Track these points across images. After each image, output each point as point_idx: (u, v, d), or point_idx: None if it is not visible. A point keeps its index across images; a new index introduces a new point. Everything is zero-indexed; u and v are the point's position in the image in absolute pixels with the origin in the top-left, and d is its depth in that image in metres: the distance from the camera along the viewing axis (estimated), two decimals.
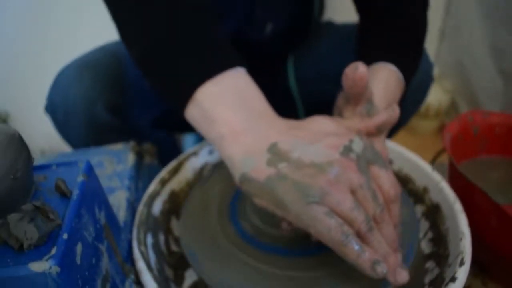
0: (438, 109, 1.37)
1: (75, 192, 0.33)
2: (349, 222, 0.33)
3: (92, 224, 0.34)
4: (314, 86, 0.79)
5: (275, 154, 0.36)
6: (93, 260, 0.33)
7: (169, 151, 0.77)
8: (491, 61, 1.20)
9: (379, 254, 0.33)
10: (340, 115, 0.45)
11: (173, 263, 0.47)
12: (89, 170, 0.37)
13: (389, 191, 0.37)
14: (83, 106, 0.62)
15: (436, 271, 0.44)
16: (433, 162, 0.68)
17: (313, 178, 0.34)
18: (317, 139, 0.37)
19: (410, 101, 0.51)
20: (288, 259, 0.41)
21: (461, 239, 0.42)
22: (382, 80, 0.47)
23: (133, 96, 0.66)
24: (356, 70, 0.38)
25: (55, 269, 0.27)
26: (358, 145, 0.37)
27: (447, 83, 1.40)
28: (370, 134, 0.41)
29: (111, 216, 0.40)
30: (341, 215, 0.33)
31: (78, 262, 0.31)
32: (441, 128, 1.43)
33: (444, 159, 0.72)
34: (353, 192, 0.35)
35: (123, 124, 0.66)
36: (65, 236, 0.29)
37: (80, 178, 0.35)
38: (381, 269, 0.32)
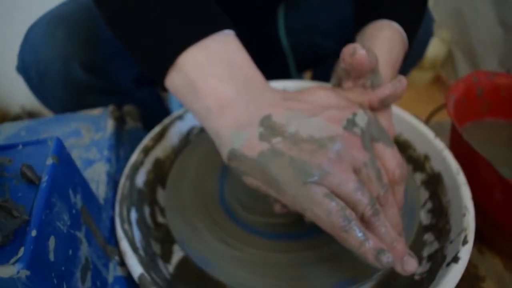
0: (434, 60, 1.33)
1: (44, 179, 0.29)
2: (351, 205, 0.30)
3: (67, 211, 0.31)
4: (305, 38, 0.74)
5: (269, 127, 0.32)
6: (70, 252, 0.30)
7: (155, 111, 0.73)
8: (492, 10, 1.14)
9: (385, 242, 0.31)
10: (339, 85, 0.40)
11: (160, 237, 0.45)
12: (60, 149, 0.33)
13: (394, 172, 0.34)
14: (57, 64, 0.57)
15: (435, 245, 0.42)
16: (428, 120, 0.65)
17: (312, 155, 0.31)
18: (316, 111, 0.33)
19: (408, 56, 0.47)
20: (275, 242, 0.39)
21: (464, 215, 0.40)
22: (385, 40, 0.42)
23: (112, 52, 0.60)
24: (354, 56, 0.34)
25: (24, 273, 0.24)
26: (362, 119, 0.33)
27: (444, 32, 1.34)
28: (374, 108, 0.37)
29: (89, 197, 0.36)
30: (343, 197, 0.30)
31: (52, 258, 0.27)
32: (436, 80, 1.39)
33: (441, 117, 0.69)
34: (356, 171, 0.31)
35: (104, 84, 0.61)
36: (33, 233, 0.26)
37: (49, 161, 0.31)
38: (387, 259, 0.29)
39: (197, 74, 0.34)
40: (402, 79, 0.36)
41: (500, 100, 0.57)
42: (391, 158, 0.34)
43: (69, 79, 0.58)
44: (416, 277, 0.41)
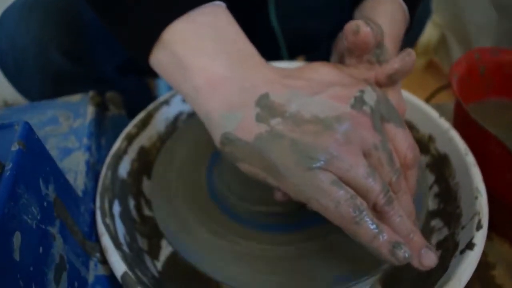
0: (427, 45, 1.30)
1: (8, 167, 0.25)
2: (362, 193, 0.27)
3: (36, 204, 0.27)
4: (297, 22, 0.70)
5: (266, 107, 0.29)
6: (40, 249, 0.27)
7: (141, 101, 0.69)
8: None
9: (400, 234, 0.27)
10: (341, 61, 0.37)
11: (147, 231, 0.41)
12: (28, 134, 0.29)
13: (406, 155, 0.30)
14: (34, 51, 0.53)
15: (445, 232, 0.39)
16: (427, 102, 0.62)
17: (317, 137, 0.27)
18: (319, 89, 0.29)
19: (405, 36, 0.44)
20: (272, 233, 0.36)
21: (476, 198, 0.37)
22: (387, 14, 0.39)
23: (94, 37, 0.56)
24: (357, 34, 0.31)
25: None
26: (370, 96, 0.29)
27: (437, 16, 1.31)
28: (381, 84, 0.34)
29: (64, 188, 0.32)
30: (352, 184, 0.27)
31: (17, 257, 0.24)
32: (430, 65, 1.36)
33: (439, 99, 0.66)
34: (365, 155, 0.28)
35: (85, 71, 0.57)
36: None
37: (15, 147, 0.27)
38: (403, 254, 0.26)
39: (184, 50, 0.31)
40: (411, 52, 0.33)
41: (504, 78, 0.54)
42: (403, 139, 0.31)
43: (47, 66, 0.54)
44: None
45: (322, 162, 0.27)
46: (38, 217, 0.27)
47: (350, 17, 0.49)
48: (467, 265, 0.32)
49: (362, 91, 0.29)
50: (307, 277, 0.33)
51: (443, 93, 0.66)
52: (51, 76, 0.55)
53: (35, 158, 0.29)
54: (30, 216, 0.26)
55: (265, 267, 0.34)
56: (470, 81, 0.53)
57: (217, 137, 0.30)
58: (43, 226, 0.28)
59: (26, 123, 0.29)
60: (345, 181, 0.27)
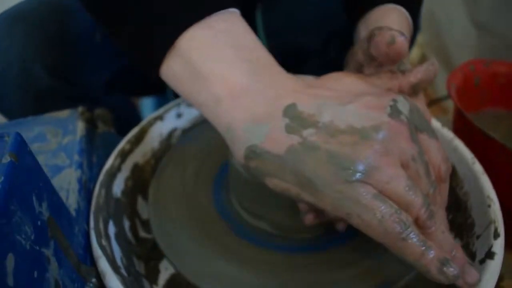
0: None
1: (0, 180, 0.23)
2: (403, 207, 0.25)
3: (30, 223, 0.25)
4: (286, 38, 0.70)
5: (296, 118, 0.27)
6: (35, 274, 0.24)
7: (129, 119, 0.66)
8: (464, 11, 1.14)
9: (443, 250, 0.26)
10: (359, 71, 0.36)
11: (144, 254, 0.38)
12: (21, 147, 0.26)
13: (440, 167, 0.29)
14: (16, 67, 0.50)
15: (457, 243, 0.38)
16: None
17: (354, 148, 0.25)
18: (348, 99, 0.27)
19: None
20: (290, 255, 0.34)
21: (489, 206, 0.36)
22: (395, 23, 0.38)
23: (79, 54, 0.54)
24: (392, 45, 0.29)
25: None
26: (404, 106, 0.28)
27: (418, 36, 1.34)
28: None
29: (57, 206, 0.30)
30: (392, 197, 0.25)
31: (11, 283, 0.21)
32: None
33: (435, 113, 0.66)
34: (404, 166, 0.26)
35: (70, 88, 0.54)
36: None
37: (6, 159, 0.24)
38: (453, 271, 0.25)
39: (202, 58, 0.29)
40: (434, 62, 0.32)
41: (498, 88, 0.55)
42: (437, 151, 0.29)
43: (30, 83, 0.52)
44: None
45: (361, 174, 0.25)
46: (32, 237, 0.24)
47: (343, 28, 0.48)
48: (490, 275, 0.30)
49: (395, 100, 0.28)
50: None
51: (434, 110, 0.66)
52: (33, 94, 0.52)
53: (28, 173, 0.26)
54: (23, 236, 0.23)
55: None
56: (466, 92, 0.53)
57: (240, 151, 0.28)
58: (37, 248, 0.25)
59: (18, 134, 0.26)
60: (385, 194, 0.25)
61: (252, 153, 0.27)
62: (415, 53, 1.30)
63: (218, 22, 0.29)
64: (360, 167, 0.25)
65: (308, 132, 0.26)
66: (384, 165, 0.25)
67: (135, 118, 0.72)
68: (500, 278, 0.47)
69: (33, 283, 0.23)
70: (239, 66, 0.29)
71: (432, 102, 0.65)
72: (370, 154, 0.25)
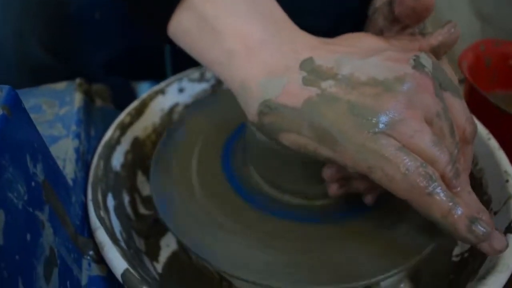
0: None
1: None
2: (428, 163, 0.23)
3: (23, 182, 0.23)
4: (293, 19, 0.68)
5: (313, 71, 0.25)
6: (28, 236, 0.22)
7: (128, 101, 0.64)
8: (468, 3, 1.13)
9: (472, 211, 0.24)
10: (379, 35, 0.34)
11: (144, 231, 0.37)
12: (15, 101, 0.24)
13: (465, 127, 0.27)
14: (12, 42, 0.48)
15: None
16: None
17: (378, 99, 0.24)
18: (368, 54, 0.26)
19: None
20: (307, 225, 0.32)
21: (507, 181, 0.34)
22: None
23: (77, 32, 0.52)
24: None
25: None
26: (427, 61, 0.26)
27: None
28: None
29: (53, 171, 0.28)
30: (416, 152, 0.23)
31: (1, 241, 0.19)
32: None
33: None
34: (428, 122, 0.25)
35: (67, 66, 0.52)
36: None
37: None
38: (481, 230, 0.23)
39: (215, 11, 0.27)
40: (456, 24, 0.30)
41: (509, 70, 0.53)
42: (461, 111, 0.27)
43: (27, 60, 0.50)
44: (455, 259, 0.35)
45: (384, 126, 0.23)
46: (25, 198, 0.22)
47: (354, 10, 0.46)
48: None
49: (417, 56, 0.26)
50: (336, 268, 0.29)
51: None
52: (30, 70, 0.50)
53: (22, 131, 0.24)
54: (15, 194, 0.21)
55: (287, 258, 0.29)
56: (477, 72, 0.51)
57: (253, 107, 0.27)
58: (31, 209, 0.23)
59: (11, 89, 0.24)
60: (409, 148, 0.24)
61: (267, 108, 0.26)
62: None
63: None
64: (384, 119, 0.23)
65: (327, 84, 0.25)
66: (408, 118, 0.24)
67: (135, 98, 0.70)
68: None
69: (25, 246, 0.21)
70: (254, 20, 0.27)
71: None
72: (394, 105, 0.23)
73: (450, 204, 0.23)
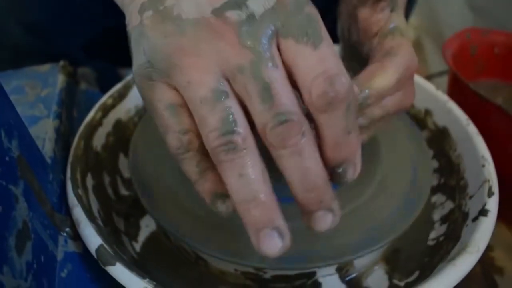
0: None
1: None
2: (198, 124, 0.22)
3: None
4: None
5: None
6: (0, 208, 0.22)
7: (113, 81, 0.64)
8: None
9: (239, 197, 0.21)
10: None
11: (124, 210, 0.37)
12: None
13: (310, 89, 0.20)
14: None
15: (449, 205, 0.37)
16: None
17: (166, 41, 0.22)
18: None
19: None
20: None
21: (483, 166, 0.34)
22: None
23: (58, 11, 0.51)
24: None
25: None
26: (262, 1, 0.21)
27: (412, 19, 1.33)
28: None
29: (30, 148, 0.28)
30: (191, 108, 0.22)
31: None
32: None
33: None
34: (228, 79, 0.21)
35: (48, 47, 0.52)
36: None
37: None
38: (222, 208, 0.23)
39: None
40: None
41: (495, 58, 0.53)
42: (310, 66, 0.21)
43: (5, 40, 0.49)
44: (430, 242, 0.36)
45: (160, 72, 0.22)
46: None
47: None
48: (483, 231, 0.29)
49: None
50: (309, 243, 0.29)
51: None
52: (9, 51, 0.50)
53: None
54: None
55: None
56: (462, 61, 0.51)
57: None
58: (4, 183, 0.23)
59: None
60: (185, 103, 0.22)
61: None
62: (410, 36, 1.29)
63: None
64: (161, 64, 0.22)
65: (147, 14, 0.23)
66: (187, 66, 0.21)
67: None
68: (490, 249, 0.46)
69: None
70: None
71: (435, 75, 0.64)
72: (176, 50, 0.21)
73: (196, 177, 0.23)
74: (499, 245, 0.46)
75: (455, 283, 0.26)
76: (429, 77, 0.65)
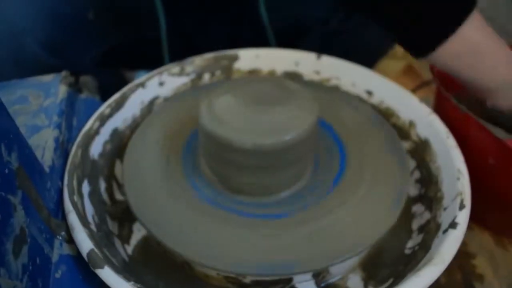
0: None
1: None
2: None
3: None
4: (287, 12, 0.69)
5: None
6: None
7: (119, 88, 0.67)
8: None
9: None
10: None
11: (118, 215, 0.39)
12: None
13: None
14: (8, 36, 0.51)
15: (426, 216, 0.38)
16: None
17: None
18: None
19: None
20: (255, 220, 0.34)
21: (458, 179, 0.36)
22: None
23: (71, 29, 0.54)
24: None
25: None
26: None
27: None
28: None
29: (29, 159, 0.30)
30: None
31: None
32: (408, 70, 1.38)
33: (423, 94, 0.66)
34: None
35: (62, 63, 0.55)
36: None
37: None
38: None
39: (480, 40, 0.41)
40: None
41: None
42: None
43: (22, 55, 0.52)
44: (407, 251, 0.37)
45: None
46: None
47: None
48: (450, 243, 0.31)
49: None
50: (287, 251, 0.31)
51: (422, 92, 0.66)
52: (24, 66, 0.53)
53: None
54: None
55: (244, 247, 0.32)
56: None
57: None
58: (3, 193, 0.25)
59: None
60: None
61: None
62: None
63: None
64: None
65: None
66: None
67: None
68: (472, 256, 0.48)
69: None
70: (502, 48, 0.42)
71: (424, 84, 0.66)
72: None
73: None
74: (482, 253, 0.48)
75: None
76: (427, 83, 0.66)
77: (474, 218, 0.46)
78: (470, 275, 0.46)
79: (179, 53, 0.52)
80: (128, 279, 0.28)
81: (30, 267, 0.27)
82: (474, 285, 0.45)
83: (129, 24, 0.61)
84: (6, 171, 0.27)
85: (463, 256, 0.47)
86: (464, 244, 0.48)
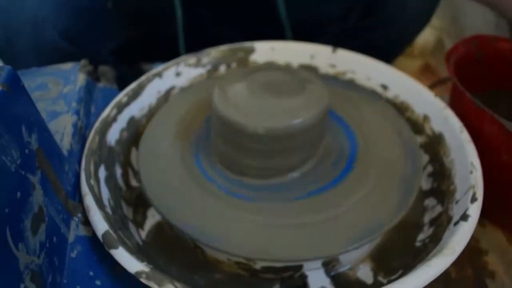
0: (424, 47, 1.30)
1: None
2: None
3: (17, 148, 0.26)
4: (305, 8, 0.69)
5: None
6: (18, 194, 0.26)
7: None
8: None
9: None
10: None
11: (133, 200, 0.40)
12: (13, 80, 0.28)
13: None
14: (30, 27, 0.52)
15: (438, 209, 0.38)
16: None
17: None
18: None
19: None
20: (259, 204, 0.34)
21: (471, 172, 0.36)
22: None
23: (91, 19, 0.55)
24: None
25: None
26: None
27: (435, 20, 1.32)
28: None
29: (48, 142, 0.31)
30: None
31: None
32: (425, 68, 1.37)
33: (439, 93, 0.66)
34: None
35: (82, 53, 0.56)
36: None
37: None
38: None
39: None
40: None
41: (503, 67, 0.54)
42: None
43: (43, 45, 0.53)
44: (418, 244, 0.37)
45: None
46: (18, 162, 0.26)
47: None
48: (461, 235, 0.31)
49: None
50: (298, 237, 0.31)
51: (438, 90, 0.66)
52: (45, 55, 0.54)
53: (19, 105, 0.28)
54: (9, 158, 0.25)
55: (253, 229, 0.32)
56: (467, 69, 0.52)
57: None
58: (23, 172, 0.26)
59: (12, 70, 0.28)
60: None
61: None
62: (432, 36, 1.28)
63: None
64: None
65: None
66: None
67: None
68: (484, 253, 0.47)
69: (15, 202, 0.25)
70: None
71: (440, 82, 0.65)
72: None
73: None
74: (494, 249, 0.47)
75: (427, 282, 0.28)
76: (444, 80, 0.65)
77: (487, 215, 0.46)
78: (481, 271, 0.45)
79: (195, 48, 0.53)
80: (141, 259, 0.29)
81: (47, 245, 0.28)
82: (485, 281, 0.45)
83: (146, 17, 0.62)
84: (26, 151, 0.28)
85: (474, 252, 0.47)
86: (476, 240, 0.48)
